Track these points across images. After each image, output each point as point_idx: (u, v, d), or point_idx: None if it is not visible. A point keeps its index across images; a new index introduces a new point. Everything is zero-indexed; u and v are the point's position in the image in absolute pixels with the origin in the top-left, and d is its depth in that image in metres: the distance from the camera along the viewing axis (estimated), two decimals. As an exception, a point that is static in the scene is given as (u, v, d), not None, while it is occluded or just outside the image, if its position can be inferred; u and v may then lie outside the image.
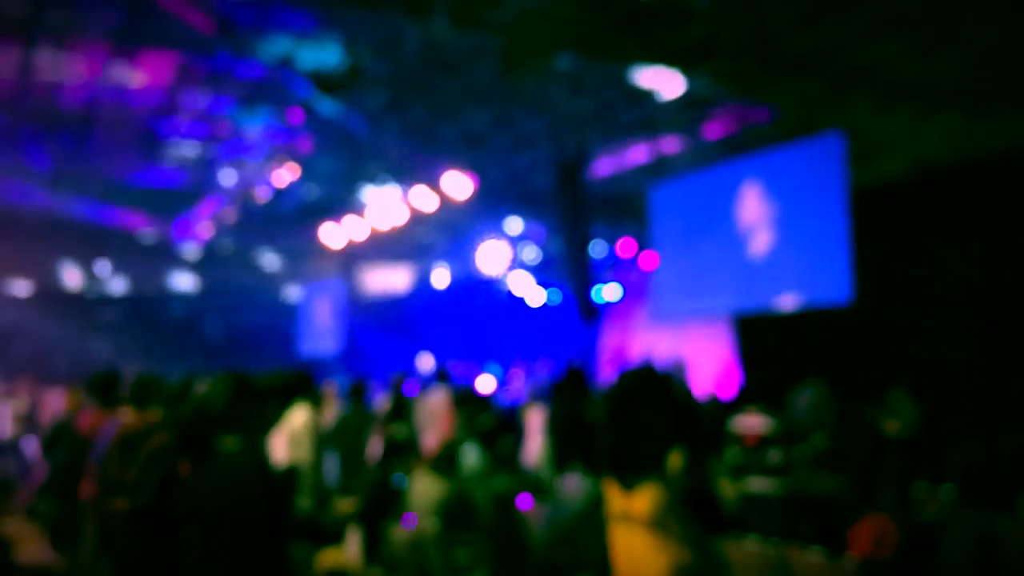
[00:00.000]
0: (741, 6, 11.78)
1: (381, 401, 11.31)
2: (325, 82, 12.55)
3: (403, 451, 6.73)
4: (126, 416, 5.10)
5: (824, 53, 12.99)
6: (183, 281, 28.35)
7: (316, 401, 8.43)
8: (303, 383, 7.78)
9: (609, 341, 28.59)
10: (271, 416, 3.42)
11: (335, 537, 5.12)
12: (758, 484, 6.20)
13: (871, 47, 13.06)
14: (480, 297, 29.10)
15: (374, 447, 7.60)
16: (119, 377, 6.08)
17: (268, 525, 2.91)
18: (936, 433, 10.95)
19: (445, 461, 5.84)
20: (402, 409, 8.24)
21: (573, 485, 5.67)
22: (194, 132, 18.34)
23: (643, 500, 3.10)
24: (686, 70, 13.44)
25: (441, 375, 10.22)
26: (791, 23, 12.39)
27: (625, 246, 24.35)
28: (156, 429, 4.35)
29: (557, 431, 7.65)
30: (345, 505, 5.96)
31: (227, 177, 19.21)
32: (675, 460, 3.07)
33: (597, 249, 23.61)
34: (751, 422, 6.30)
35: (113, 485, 4.45)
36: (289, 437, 7.00)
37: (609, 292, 26.47)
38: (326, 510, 6.25)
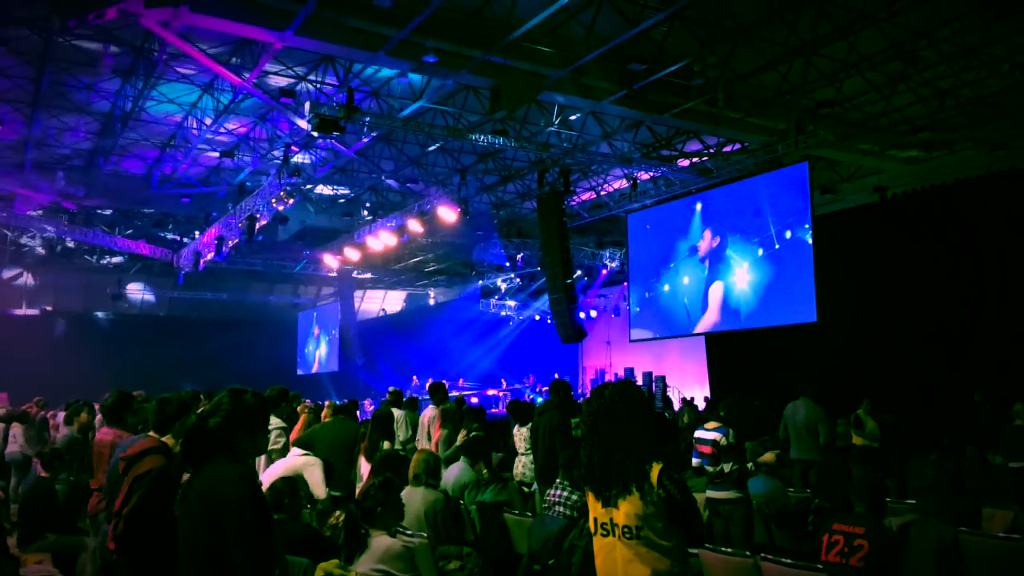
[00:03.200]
0: (712, 48, 11.91)
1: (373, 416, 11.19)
2: (323, 121, 12.58)
3: (395, 463, 6.65)
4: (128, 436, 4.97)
5: (790, 91, 13.13)
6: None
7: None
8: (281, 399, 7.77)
9: (593, 358, 28.63)
10: (264, 432, 3.38)
11: (335, 549, 5.02)
12: (715, 493, 6.19)
13: (835, 85, 13.23)
14: (470, 318, 29.08)
15: (361, 461, 7.55)
16: (131, 397, 5.89)
17: (253, 535, 2.88)
18: (899, 446, 10.97)
19: (422, 473, 5.77)
20: (388, 423, 8.15)
21: (557, 497, 5.62)
22: (199, 163, 18.38)
23: (623, 511, 3.06)
24: (661, 107, 13.54)
25: (434, 391, 10.16)
26: (759, 64, 12.54)
27: (606, 269, 24.43)
28: (146, 454, 4.15)
29: (543, 445, 7.60)
30: (340, 517, 5.86)
31: (231, 204, 19.19)
32: (655, 471, 3.04)
33: (580, 272, 23.66)
34: (707, 434, 6.29)
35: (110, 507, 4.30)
36: (331, 447, 7.09)
37: (592, 312, 26.54)
38: (325, 522, 6.16)
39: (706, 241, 15.90)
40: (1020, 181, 13.20)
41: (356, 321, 30.05)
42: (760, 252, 14.55)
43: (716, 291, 15.62)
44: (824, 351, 14.66)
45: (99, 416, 11.74)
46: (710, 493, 6.33)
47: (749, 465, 6.49)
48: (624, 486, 3.08)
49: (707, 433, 6.44)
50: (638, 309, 17.98)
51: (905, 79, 13.10)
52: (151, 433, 4.60)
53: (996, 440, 10.32)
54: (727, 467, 6.24)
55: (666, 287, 16.91)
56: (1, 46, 12.17)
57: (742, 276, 14.91)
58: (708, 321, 15.87)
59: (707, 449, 6.36)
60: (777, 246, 14.23)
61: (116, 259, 25.02)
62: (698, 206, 16.23)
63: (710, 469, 6.35)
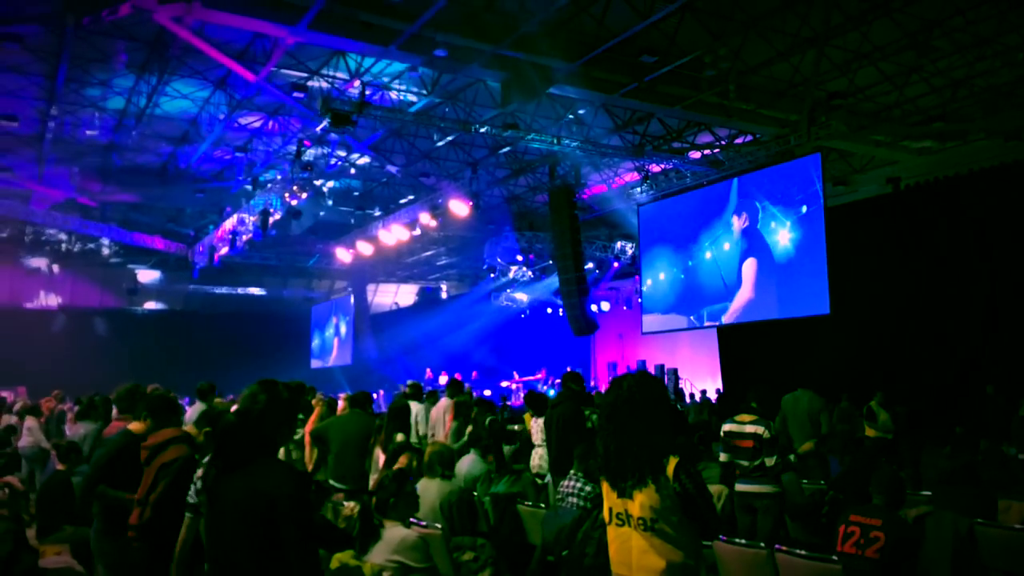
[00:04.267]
0: (724, 40, 11.82)
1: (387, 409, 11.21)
2: (336, 115, 12.59)
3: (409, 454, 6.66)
4: (135, 427, 4.97)
5: (802, 82, 13.03)
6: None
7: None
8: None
9: (605, 351, 28.58)
10: (295, 423, 3.39)
11: (348, 540, 5.03)
12: (751, 487, 6.06)
13: (848, 76, 13.12)
14: (483, 311, 29.07)
15: (377, 452, 7.57)
16: (141, 388, 5.92)
17: (307, 534, 2.87)
18: (912, 438, 10.90)
19: (436, 464, 5.76)
20: (404, 416, 8.15)
21: (571, 488, 5.60)
22: (213, 158, 18.41)
23: (638, 502, 3.04)
24: (672, 99, 13.47)
25: (451, 385, 10.18)
26: (771, 55, 12.45)
27: (618, 261, 24.36)
28: (171, 443, 4.22)
29: (556, 436, 7.58)
30: (354, 509, 5.85)
31: (245, 199, 19.25)
32: (671, 464, 3.02)
33: (591, 265, 23.60)
34: (744, 427, 6.10)
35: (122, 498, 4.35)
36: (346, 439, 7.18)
37: (604, 304, 26.47)
38: (338, 514, 6.16)
39: (719, 232, 15.77)
40: (1034, 171, 13.07)
41: (369, 314, 30.12)
42: (804, 209, 14.13)
43: (728, 283, 15.53)
44: (836, 343, 14.56)
45: (116, 410, 11.84)
46: (743, 487, 6.09)
47: (791, 457, 6.34)
48: (640, 478, 3.06)
49: (743, 426, 6.15)
50: (651, 300, 17.89)
51: (918, 69, 12.97)
52: (130, 425, 4.67)
53: (1009, 432, 10.24)
54: (769, 461, 6.01)
55: (679, 278, 16.78)
56: (16, 43, 12.21)
57: (784, 236, 14.51)
58: (721, 313, 15.78)
59: (747, 443, 6.04)
60: (790, 238, 14.09)
61: (132, 254, 25.14)
62: (710, 197, 16.11)
63: (745, 463, 6.11)
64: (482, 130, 14.25)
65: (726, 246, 15.73)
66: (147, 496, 4.06)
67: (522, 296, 28.59)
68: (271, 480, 2.92)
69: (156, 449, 4.19)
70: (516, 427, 9.42)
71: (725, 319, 15.90)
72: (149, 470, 4.12)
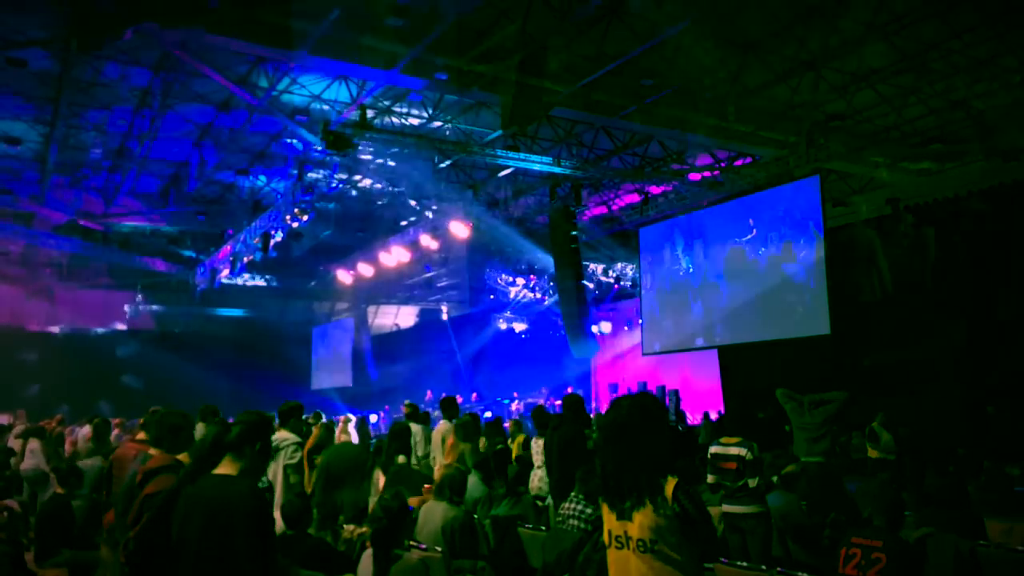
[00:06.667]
0: (723, 63, 11.91)
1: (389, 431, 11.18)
2: (336, 139, 12.65)
3: (412, 477, 6.67)
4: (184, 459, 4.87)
5: (801, 104, 13.11)
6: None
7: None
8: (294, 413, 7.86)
9: (606, 372, 28.51)
10: (267, 445, 3.42)
11: (349, 564, 5.01)
12: (735, 507, 6.09)
13: (846, 98, 13.21)
14: (483, 332, 29.05)
15: (378, 475, 7.57)
16: (160, 413, 5.86)
17: (254, 543, 2.91)
18: (914, 459, 10.86)
19: (447, 488, 5.76)
20: (405, 437, 8.13)
21: (572, 510, 5.59)
22: (215, 180, 18.48)
23: (637, 523, 3.04)
24: (671, 122, 13.54)
25: (446, 406, 10.14)
26: (770, 78, 12.54)
27: (618, 283, 24.38)
28: (161, 472, 4.07)
29: (557, 459, 7.56)
30: (354, 531, 5.84)
31: (246, 221, 19.30)
32: (670, 485, 3.02)
33: (592, 286, 23.63)
34: (729, 450, 6.14)
35: (124, 526, 4.24)
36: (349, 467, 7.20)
37: (604, 326, 26.45)
38: (338, 537, 6.15)
39: (742, 239, 15.65)
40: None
41: (370, 336, 30.10)
42: (803, 230, 13.99)
43: (728, 304, 15.51)
44: (837, 363, 14.54)
45: (115, 431, 11.82)
46: (728, 508, 6.16)
47: (774, 479, 6.38)
48: (638, 499, 3.05)
49: (728, 448, 6.22)
50: (651, 321, 17.88)
51: (916, 91, 13.06)
52: (152, 450, 4.59)
53: (1012, 452, 10.21)
54: (752, 482, 6.05)
55: (678, 299, 16.77)
56: (21, 67, 12.31)
57: (784, 257, 14.33)
58: (721, 334, 15.75)
59: (731, 465, 6.11)
60: (790, 259, 14.11)
61: (133, 276, 25.18)
62: (710, 219, 16.15)
63: (729, 485, 6.16)
64: (482, 152, 14.33)
65: (726, 266, 15.75)
66: (133, 526, 3.94)
67: (521, 326, 28.57)
68: (229, 494, 3.03)
69: (149, 475, 4.07)
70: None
71: (725, 339, 15.89)
72: (139, 498, 3.99)
